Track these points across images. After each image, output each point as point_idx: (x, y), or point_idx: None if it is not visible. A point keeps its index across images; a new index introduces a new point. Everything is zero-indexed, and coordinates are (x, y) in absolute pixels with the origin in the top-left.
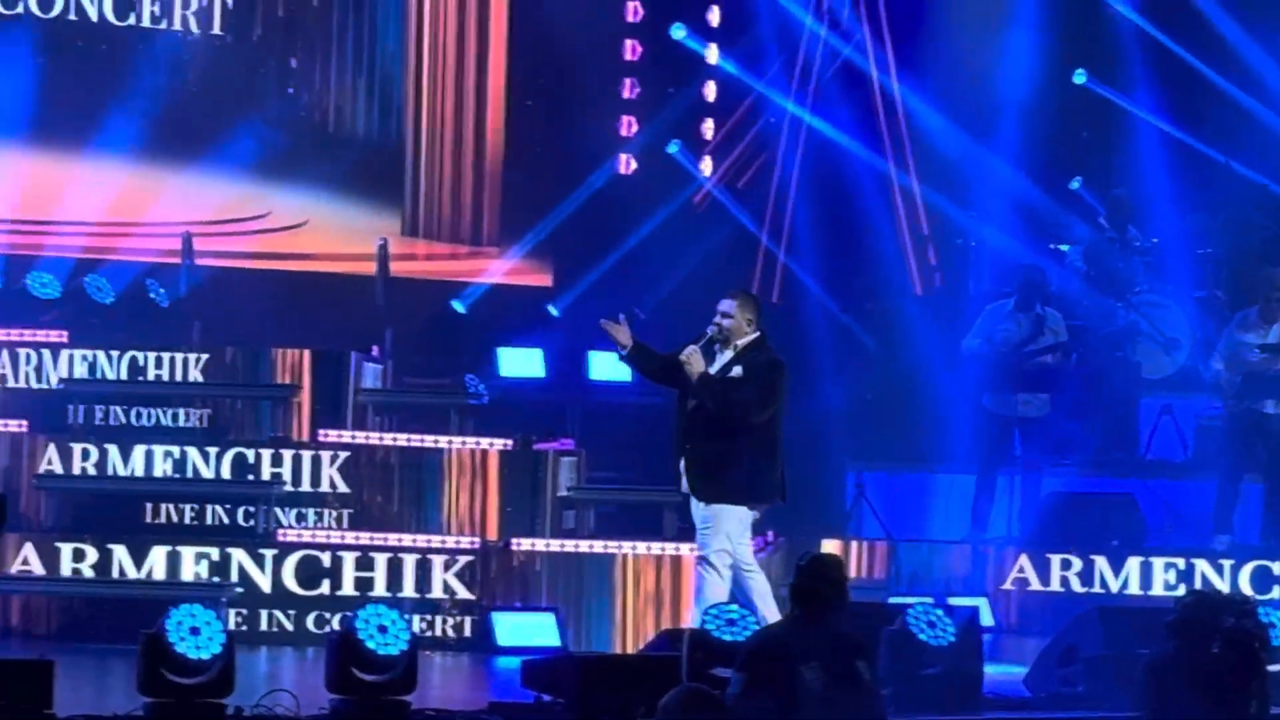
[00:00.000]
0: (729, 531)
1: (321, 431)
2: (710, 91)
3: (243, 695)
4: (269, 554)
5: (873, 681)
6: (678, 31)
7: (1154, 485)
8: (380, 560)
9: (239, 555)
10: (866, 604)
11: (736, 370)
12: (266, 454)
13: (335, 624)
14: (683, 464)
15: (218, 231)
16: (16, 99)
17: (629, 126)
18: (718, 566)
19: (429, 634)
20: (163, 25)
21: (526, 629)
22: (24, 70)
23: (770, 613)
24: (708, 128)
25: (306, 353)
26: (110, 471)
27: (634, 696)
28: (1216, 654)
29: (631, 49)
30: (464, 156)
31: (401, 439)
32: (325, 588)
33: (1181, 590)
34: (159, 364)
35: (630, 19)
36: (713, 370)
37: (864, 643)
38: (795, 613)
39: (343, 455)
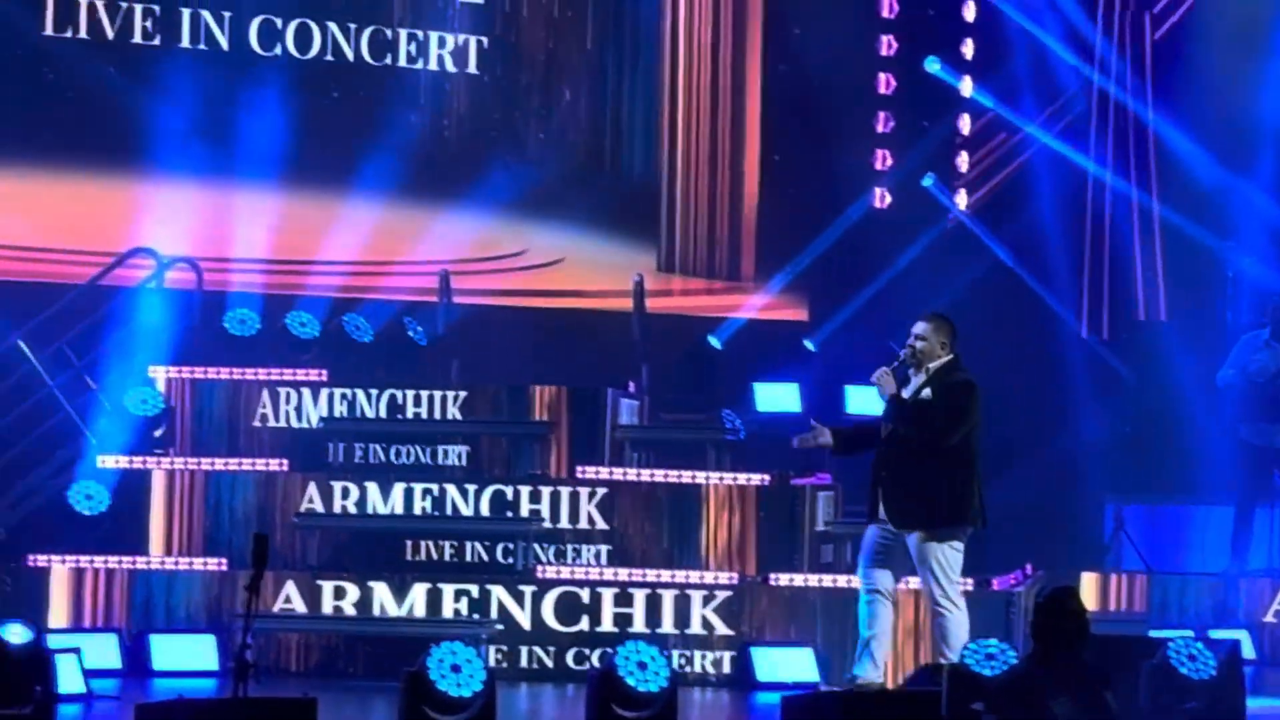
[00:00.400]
0: (940, 561)
1: (579, 468)
2: (965, 124)
3: None
4: (528, 591)
5: (1120, 712)
6: (932, 64)
7: None
8: (639, 596)
9: (498, 592)
10: (1126, 638)
11: (926, 393)
12: (525, 491)
13: (595, 660)
14: (880, 492)
15: (475, 269)
16: (274, 140)
17: (883, 160)
18: (954, 600)
19: (688, 670)
20: (419, 65)
21: (786, 664)
22: (282, 111)
23: (953, 654)
24: (962, 161)
25: (564, 389)
26: (370, 509)
27: None
28: None
29: (885, 82)
30: (719, 191)
31: (659, 475)
32: (584, 624)
33: None
34: (418, 402)
35: (884, 53)
36: (905, 394)
37: (1109, 673)
38: (1037, 649)
39: (600, 491)
